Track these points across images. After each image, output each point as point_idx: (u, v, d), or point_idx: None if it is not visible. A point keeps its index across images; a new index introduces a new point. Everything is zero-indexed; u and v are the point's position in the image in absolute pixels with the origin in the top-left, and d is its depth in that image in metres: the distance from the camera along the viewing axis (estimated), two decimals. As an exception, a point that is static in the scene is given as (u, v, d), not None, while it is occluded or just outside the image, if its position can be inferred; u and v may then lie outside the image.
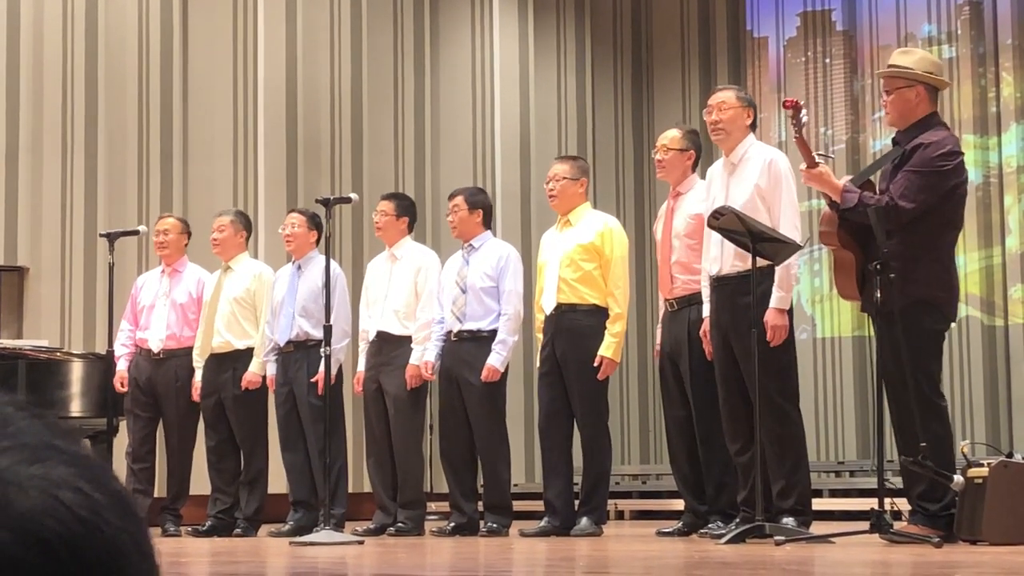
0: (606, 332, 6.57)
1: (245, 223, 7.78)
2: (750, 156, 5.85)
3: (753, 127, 6.00)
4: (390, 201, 7.42)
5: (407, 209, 7.42)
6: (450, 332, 6.96)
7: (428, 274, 7.19)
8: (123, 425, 7.66)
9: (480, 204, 7.15)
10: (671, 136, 6.57)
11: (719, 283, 5.80)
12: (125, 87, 9.15)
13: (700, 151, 6.55)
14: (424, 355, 7.01)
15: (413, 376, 7.01)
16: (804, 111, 5.28)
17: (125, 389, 7.53)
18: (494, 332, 6.86)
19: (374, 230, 7.55)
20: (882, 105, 5.58)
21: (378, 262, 7.48)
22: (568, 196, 6.80)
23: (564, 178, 6.81)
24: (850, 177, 5.44)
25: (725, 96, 6.03)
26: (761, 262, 5.49)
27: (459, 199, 7.15)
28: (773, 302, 5.61)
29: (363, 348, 7.30)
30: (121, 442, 7.60)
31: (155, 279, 7.84)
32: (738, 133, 5.91)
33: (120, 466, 7.59)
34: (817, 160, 5.22)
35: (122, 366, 7.56)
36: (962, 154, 5.36)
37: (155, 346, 7.59)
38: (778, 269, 5.61)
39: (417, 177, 10.45)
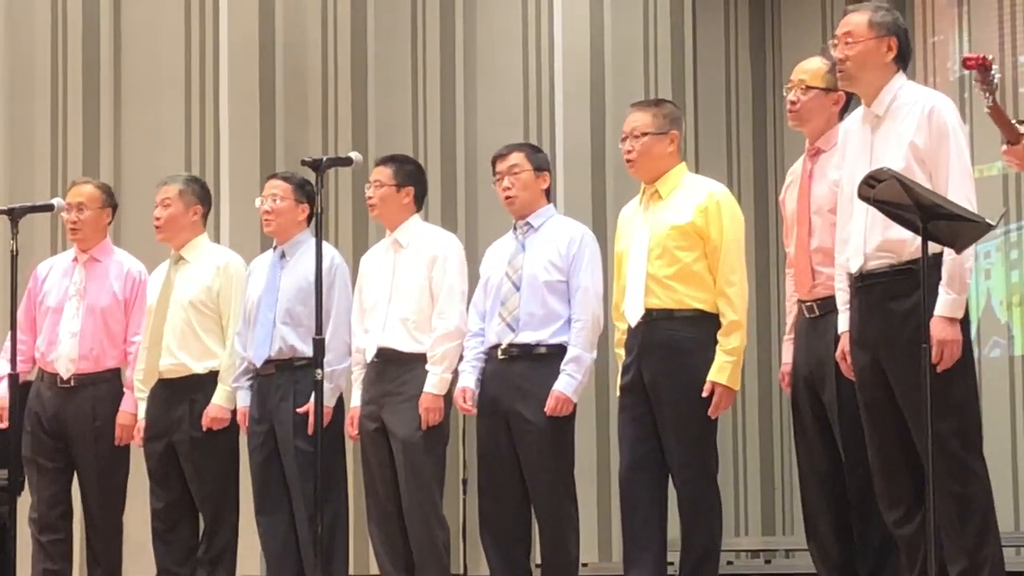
0: (717, 349, 6.45)
1: (201, 194, 7.66)
2: (900, 104, 5.67)
3: (902, 61, 5.80)
4: (387, 166, 7.33)
5: (411, 176, 7.31)
6: (496, 347, 6.88)
7: (447, 265, 7.13)
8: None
9: (546, 166, 7.13)
10: (812, 68, 6.33)
11: (863, 282, 5.66)
12: (34, 9, 9.15)
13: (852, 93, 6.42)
14: (460, 380, 6.91)
15: (430, 410, 6.96)
16: (995, 68, 5.11)
17: (3, 424, 7.34)
18: (558, 348, 6.78)
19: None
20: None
21: (376, 253, 7.38)
22: (653, 158, 6.67)
23: (645, 133, 6.67)
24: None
25: (855, 21, 5.86)
26: (933, 248, 5.38)
27: (518, 157, 7.04)
28: (940, 308, 5.43)
29: (357, 375, 7.21)
30: (26, 502, 7.54)
31: (63, 270, 7.66)
32: (871, 74, 5.73)
33: (24, 536, 7.54)
34: (1022, 131, 5.12)
35: (1, 391, 7.36)
36: None
37: (63, 369, 7.45)
38: (946, 262, 5.40)
39: (445, 133, 10.34)
